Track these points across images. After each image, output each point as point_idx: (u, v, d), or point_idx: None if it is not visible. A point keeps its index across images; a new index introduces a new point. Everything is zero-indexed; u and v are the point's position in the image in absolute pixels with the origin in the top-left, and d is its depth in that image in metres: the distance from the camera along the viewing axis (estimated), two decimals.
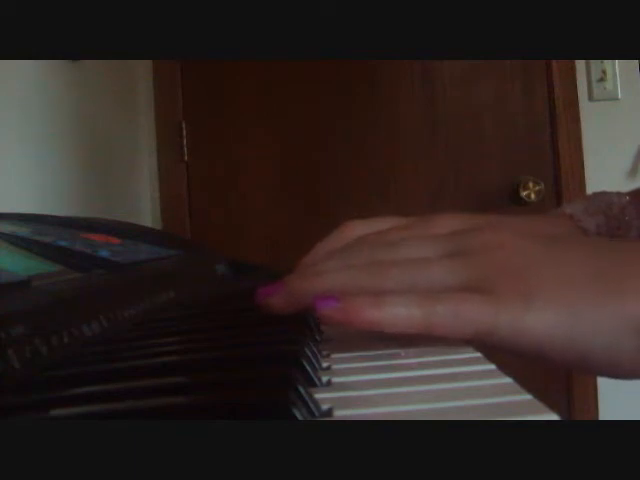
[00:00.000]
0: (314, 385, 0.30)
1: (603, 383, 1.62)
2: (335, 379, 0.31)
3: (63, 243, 0.55)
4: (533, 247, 0.36)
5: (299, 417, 0.23)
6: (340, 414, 0.25)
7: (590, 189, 1.62)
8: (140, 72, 1.69)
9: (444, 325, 0.33)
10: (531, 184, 1.64)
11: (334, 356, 0.36)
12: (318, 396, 0.27)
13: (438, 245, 0.38)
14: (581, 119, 1.65)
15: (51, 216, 0.75)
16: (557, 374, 1.62)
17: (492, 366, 0.32)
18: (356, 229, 0.45)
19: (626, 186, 0.57)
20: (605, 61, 1.64)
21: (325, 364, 0.34)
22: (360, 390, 0.29)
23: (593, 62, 1.65)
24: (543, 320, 0.32)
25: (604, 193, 0.53)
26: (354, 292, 0.35)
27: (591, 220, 0.50)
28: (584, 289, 0.33)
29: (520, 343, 0.32)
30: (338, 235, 0.46)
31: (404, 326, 0.34)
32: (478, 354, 0.34)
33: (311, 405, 0.25)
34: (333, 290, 0.36)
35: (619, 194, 0.53)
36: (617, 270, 0.33)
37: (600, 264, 0.34)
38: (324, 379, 0.31)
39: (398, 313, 0.33)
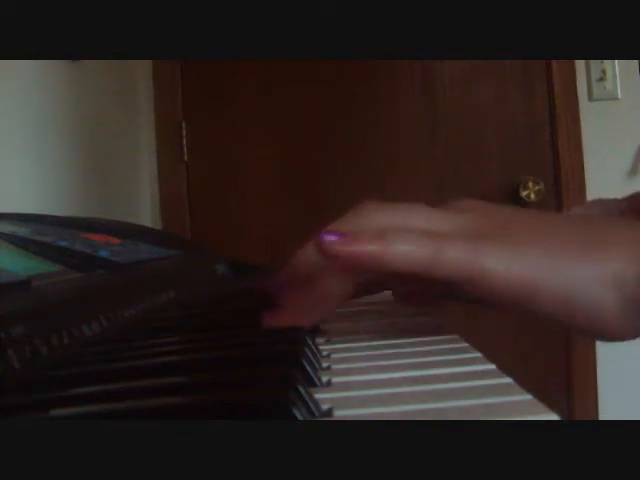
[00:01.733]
0: (314, 385, 0.30)
1: (603, 383, 1.62)
2: (335, 379, 0.31)
3: (63, 243, 0.55)
4: (523, 210, 0.39)
5: (299, 417, 0.23)
6: (340, 414, 0.25)
7: (590, 189, 1.62)
8: (140, 72, 1.69)
9: (446, 264, 0.33)
10: (531, 184, 1.64)
11: (334, 356, 0.36)
12: (318, 396, 0.27)
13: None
14: (581, 119, 1.65)
15: (51, 216, 0.74)
16: (557, 374, 1.62)
17: (492, 366, 0.32)
18: (375, 217, 0.40)
19: (626, 186, 0.57)
20: (605, 61, 1.64)
21: (325, 364, 0.34)
22: (360, 390, 0.28)
23: (593, 62, 1.65)
24: (528, 263, 0.33)
25: (602, 200, 0.54)
26: None
27: None
28: (569, 240, 0.34)
29: (507, 288, 0.33)
30: (354, 219, 0.40)
31: (407, 261, 0.33)
32: (478, 354, 0.34)
33: (311, 405, 0.25)
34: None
35: (617, 200, 0.53)
36: (601, 231, 0.35)
37: (585, 224, 0.36)
38: (324, 379, 0.31)
39: (404, 248, 0.33)
